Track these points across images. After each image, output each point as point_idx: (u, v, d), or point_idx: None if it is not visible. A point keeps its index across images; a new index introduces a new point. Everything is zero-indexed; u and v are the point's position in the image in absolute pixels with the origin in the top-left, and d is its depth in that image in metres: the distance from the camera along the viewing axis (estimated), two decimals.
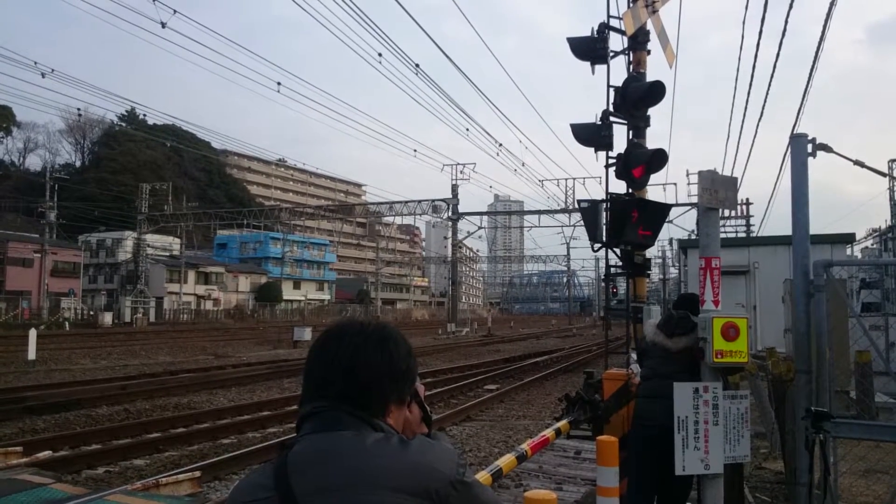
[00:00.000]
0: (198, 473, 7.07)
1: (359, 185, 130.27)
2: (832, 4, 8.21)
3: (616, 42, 6.80)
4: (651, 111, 6.57)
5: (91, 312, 53.34)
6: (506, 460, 3.58)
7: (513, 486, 6.99)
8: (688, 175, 38.78)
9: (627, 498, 4.32)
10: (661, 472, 4.09)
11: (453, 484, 1.20)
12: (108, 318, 47.90)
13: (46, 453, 8.13)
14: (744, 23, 19.67)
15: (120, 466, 8.48)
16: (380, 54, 20.88)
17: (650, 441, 4.16)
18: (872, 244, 47.08)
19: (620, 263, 6.60)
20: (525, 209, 66.89)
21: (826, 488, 3.82)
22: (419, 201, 49.55)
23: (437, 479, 1.19)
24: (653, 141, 6.60)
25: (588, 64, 6.85)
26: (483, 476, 3.19)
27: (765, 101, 11.94)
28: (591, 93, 7.92)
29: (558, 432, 4.57)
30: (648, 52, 6.73)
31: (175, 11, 19.19)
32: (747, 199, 40.20)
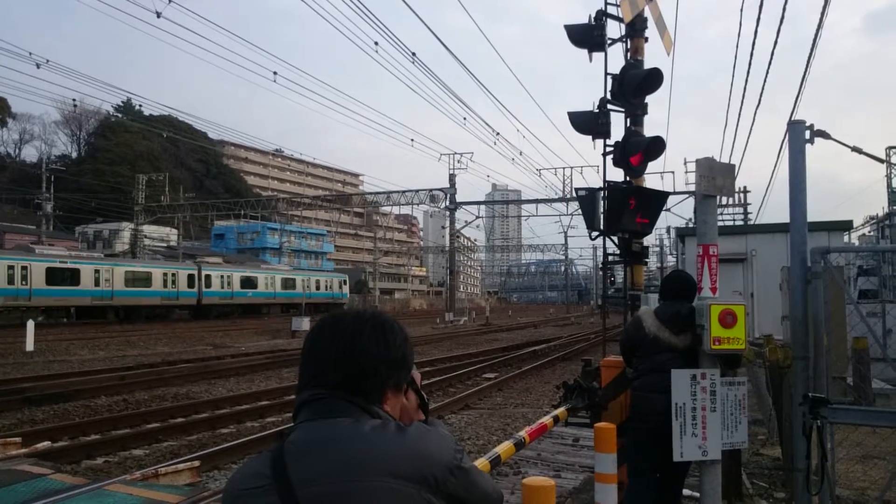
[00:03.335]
0: (197, 463, 7.08)
1: (356, 175, 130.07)
2: None
3: (614, 29, 6.78)
4: (649, 99, 6.56)
5: None
6: (504, 447, 3.58)
7: (511, 473, 7.02)
8: (685, 163, 38.89)
9: (629, 486, 4.33)
10: (662, 458, 4.08)
11: (451, 470, 1.20)
12: None
13: (45, 444, 8.14)
14: (741, 10, 19.71)
15: (119, 457, 8.50)
16: (376, 43, 20.83)
17: (654, 433, 4.11)
18: (870, 231, 47.17)
19: (618, 251, 6.61)
20: (523, 198, 66.86)
21: (823, 474, 3.84)
22: (417, 191, 49.49)
23: (435, 465, 1.19)
24: (651, 129, 6.59)
25: (586, 52, 6.83)
26: (481, 463, 3.19)
27: (762, 89, 11.92)
28: (589, 82, 7.89)
29: (556, 420, 4.57)
30: (646, 40, 6.71)
31: (170, 1, 19.06)
32: (745, 187, 40.38)
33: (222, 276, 46.96)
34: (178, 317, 44.82)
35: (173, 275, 43.08)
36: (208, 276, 45.59)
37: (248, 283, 49.62)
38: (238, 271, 49.92)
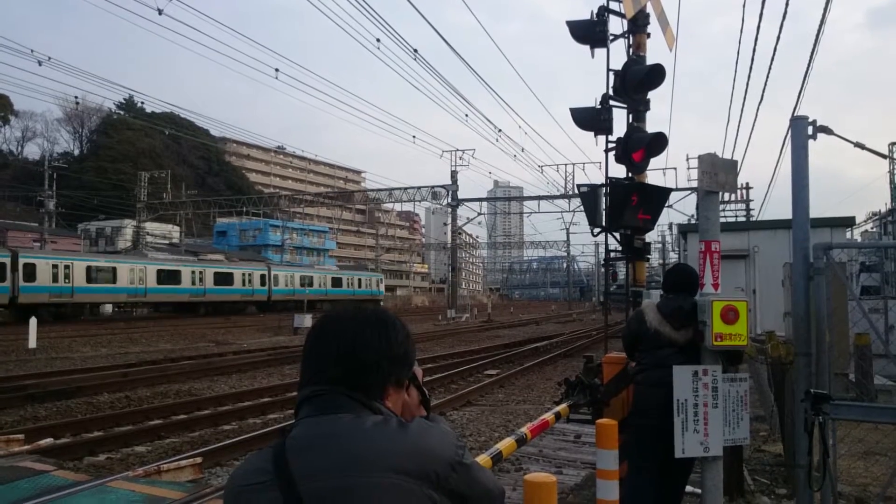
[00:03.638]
0: (199, 459, 7.10)
1: (358, 172, 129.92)
2: None
3: (616, 25, 6.77)
4: (651, 95, 6.55)
5: None
6: (506, 444, 3.58)
7: (513, 469, 7.02)
8: (688, 160, 38.82)
9: (628, 482, 4.32)
10: (664, 454, 4.06)
11: (452, 465, 1.20)
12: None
13: (48, 440, 8.15)
14: (744, 6, 19.59)
15: (121, 453, 8.52)
16: (378, 39, 20.82)
17: (655, 429, 4.09)
18: (872, 227, 47.09)
19: (620, 248, 6.61)
20: (525, 195, 66.81)
21: (825, 470, 3.84)
22: (419, 188, 49.51)
23: (437, 460, 1.19)
24: (653, 125, 6.58)
25: (588, 48, 6.82)
26: (483, 459, 3.19)
27: (765, 85, 11.90)
28: (591, 78, 7.87)
29: (558, 416, 4.56)
30: (648, 36, 6.70)
31: None
32: (747, 184, 40.17)
33: (287, 276, 53.85)
34: (250, 311, 50.11)
35: (249, 275, 49.69)
36: (276, 276, 52.43)
37: (307, 282, 55.62)
38: (299, 272, 56.39)
